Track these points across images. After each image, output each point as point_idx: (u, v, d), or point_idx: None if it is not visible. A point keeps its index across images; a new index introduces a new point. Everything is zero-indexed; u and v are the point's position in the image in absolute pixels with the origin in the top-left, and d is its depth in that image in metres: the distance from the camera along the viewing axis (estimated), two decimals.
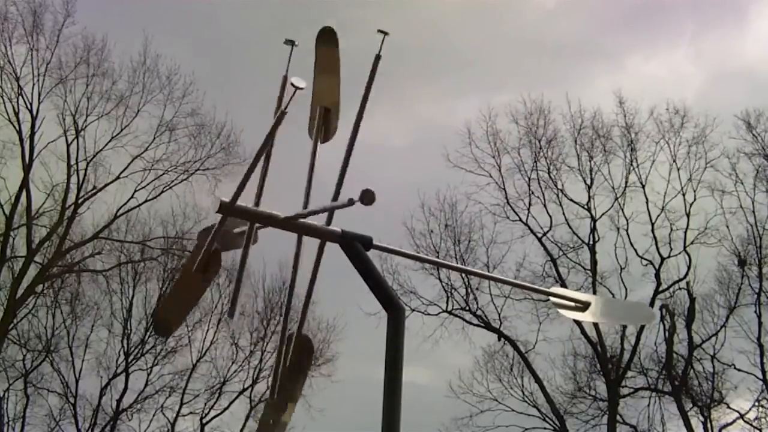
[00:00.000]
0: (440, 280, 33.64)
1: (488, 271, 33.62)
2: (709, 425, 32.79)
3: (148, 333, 35.01)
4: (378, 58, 5.81)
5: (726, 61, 47.54)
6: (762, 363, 32.15)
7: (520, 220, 33.92)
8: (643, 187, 33.62)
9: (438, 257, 33.43)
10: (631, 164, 33.86)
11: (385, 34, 5.73)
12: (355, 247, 5.77)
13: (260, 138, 5.62)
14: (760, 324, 32.29)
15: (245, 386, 35.88)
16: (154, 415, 35.15)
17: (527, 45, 49.19)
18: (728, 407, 33.02)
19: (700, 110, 33.85)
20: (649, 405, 32.99)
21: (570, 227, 33.84)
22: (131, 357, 34.77)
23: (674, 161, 33.67)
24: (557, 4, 49.99)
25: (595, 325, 33.03)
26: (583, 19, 49.91)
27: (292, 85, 5.31)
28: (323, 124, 6.05)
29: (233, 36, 50.17)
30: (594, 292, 33.27)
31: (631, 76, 45.77)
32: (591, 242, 33.78)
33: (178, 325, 6.84)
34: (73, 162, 32.25)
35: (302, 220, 5.84)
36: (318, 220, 5.87)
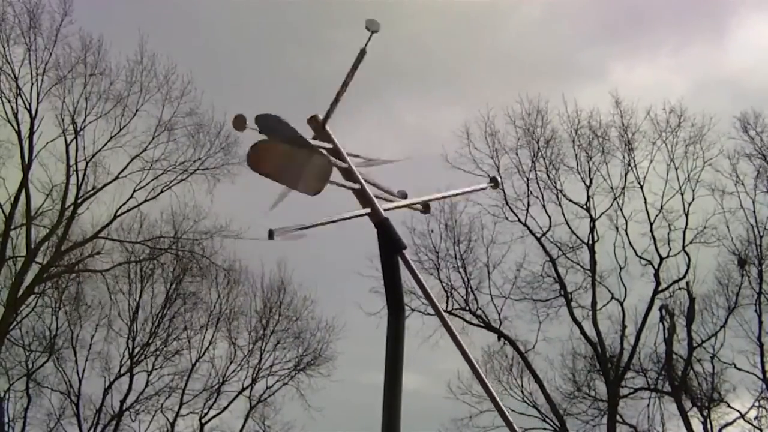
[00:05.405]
0: (440, 281, 33.70)
1: (488, 272, 33.66)
2: (708, 425, 32.82)
3: (154, 335, 35.14)
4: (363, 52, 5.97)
5: (708, 70, 48.41)
6: (762, 363, 32.17)
7: (519, 220, 33.93)
8: (641, 187, 33.63)
9: (438, 257, 33.53)
10: (629, 164, 33.89)
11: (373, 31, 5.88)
12: (388, 240, 5.79)
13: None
14: (760, 324, 32.29)
15: (244, 386, 35.98)
16: (154, 416, 35.25)
17: (513, 56, 49.95)
18: (728, 407, 33.08)
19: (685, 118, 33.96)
20: (648, 405, 33.04)
21: (569, 227, 33.85)
22: (136, 358, 34.85)
23: (672, 161, 33.69)
24: (543, 15, 50.70)
25: (595, 324, 33.08)
26: (567, 30, 50.76)
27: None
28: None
29: (230, 36, 50.46)
30: (593, 292, 33.36)
31: (615, 85, 46.71)
32: (590, 242, 33.78)
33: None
34: (72, 162, 32.25)
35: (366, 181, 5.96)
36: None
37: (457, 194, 6.14)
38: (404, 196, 6.58)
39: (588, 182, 33.86)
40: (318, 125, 5.96)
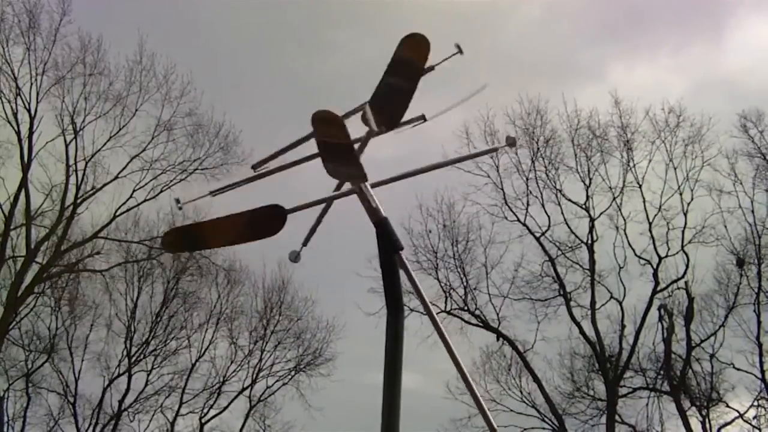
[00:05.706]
0: (439, 281, 33.72)
1: (486, 272, 33.64)
2: (707, 425, 32.83)
3: (152, 334, 35.15)
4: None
5: (707, 71, 48.53)
6: (761, 362, 32.19)
7: (518, 220, 33.95)
8: (640, 186, 33.67)
9: (436, 257, 33.55)
10: (628, 164, 33.93)
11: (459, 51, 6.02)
12: (387, 240, 5.85)
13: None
14: (759, 323, 32.33)
15: (244, 386, 35.99)
16: (153, 415, 35.27)
17: (513, 56, 50.16)
18: (727, 406, 33.11)
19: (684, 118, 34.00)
20: (647, 405, 33.06)
21: (568, 227, 33.87)
22: (134, 358, 34.86)
23: (671, 160, 33.73)
24: (543, 15, 50.83)
25: (593, 323, 33.12)
26: (567, 30, 50.98)
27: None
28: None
29: (230, 36, 50.51)
30: (592, 292, 33.42)
31: (615, 86, 46.96)
32: (589, 242, 33.80)
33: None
34: (71, 162, 32.29)
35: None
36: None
37: (467, 158, 6.36)
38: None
39: (587, 182, 33.92)
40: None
